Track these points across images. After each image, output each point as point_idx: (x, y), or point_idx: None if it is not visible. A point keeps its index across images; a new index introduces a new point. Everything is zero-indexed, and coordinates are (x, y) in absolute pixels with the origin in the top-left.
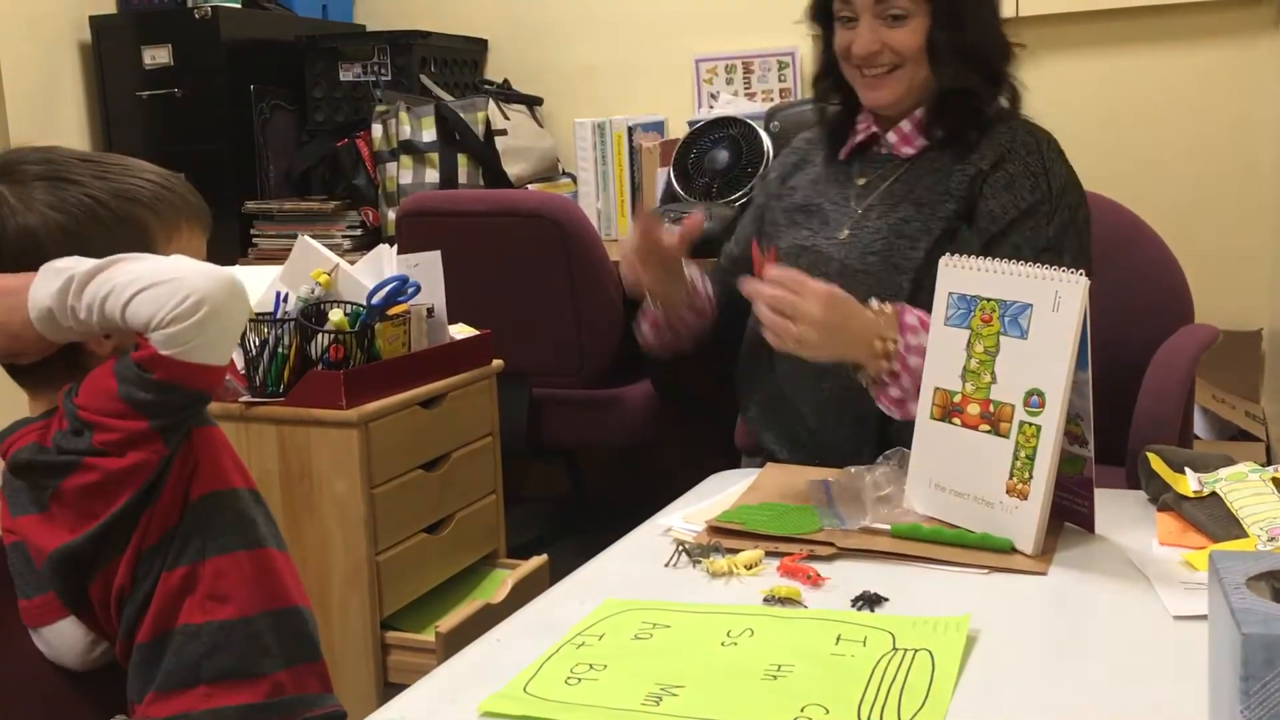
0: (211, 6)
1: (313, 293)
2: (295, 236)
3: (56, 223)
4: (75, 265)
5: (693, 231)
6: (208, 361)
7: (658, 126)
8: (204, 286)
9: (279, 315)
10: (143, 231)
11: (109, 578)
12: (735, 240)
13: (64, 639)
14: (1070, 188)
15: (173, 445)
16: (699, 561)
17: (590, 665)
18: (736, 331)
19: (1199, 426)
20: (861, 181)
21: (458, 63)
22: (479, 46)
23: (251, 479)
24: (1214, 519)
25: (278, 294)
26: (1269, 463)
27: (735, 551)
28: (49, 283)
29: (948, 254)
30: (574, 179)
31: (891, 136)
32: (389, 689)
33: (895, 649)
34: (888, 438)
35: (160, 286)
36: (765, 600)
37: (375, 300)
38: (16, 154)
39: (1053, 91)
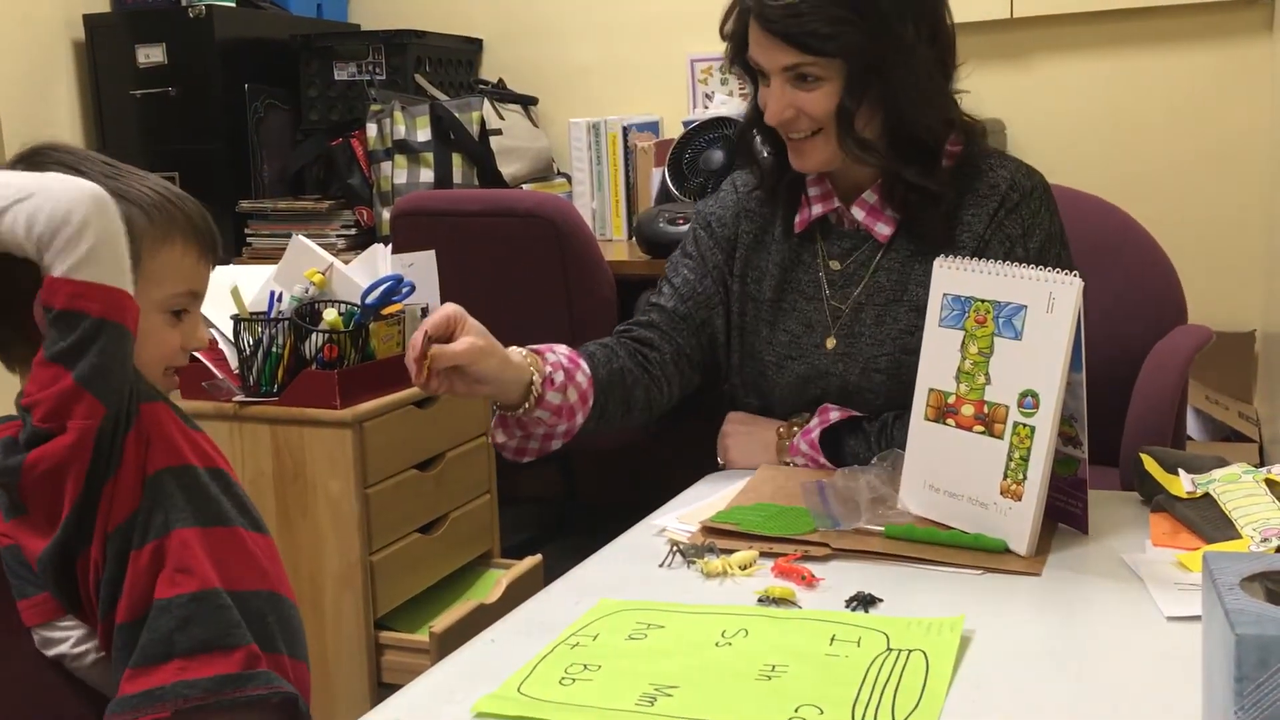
0: (205, 5)
1: (307, 292)
2: (289, 236)
3: None
4: None
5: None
6: (99, 279)
7: (652, 127)
8: (70, 197)
9: (273, 315)
10: (131, 229)
11: (86, 564)
12: (680, 296)
13: (62, 637)
14: (1051, 241)
15: (109, 403)
16: (693, 562)
17: (584, 665)
18: (697, 380)
19: (1192, 428)
20: (835, 266)
21: (452, 62)
22: (474, 46)
23: (214, 458)
24: (1207, 520)
25: (272, 293)
26: (1262, 464)
27: (730, 552)
28: None
29: (942, 255)
30: (569, 179)
31: (858, 211)
32: (383, 689)
33: (889, 649)
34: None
35: (26, 202)
36: (760, 601)
37: (369, 300)
38: (49, 144)
39: (1046, 93)
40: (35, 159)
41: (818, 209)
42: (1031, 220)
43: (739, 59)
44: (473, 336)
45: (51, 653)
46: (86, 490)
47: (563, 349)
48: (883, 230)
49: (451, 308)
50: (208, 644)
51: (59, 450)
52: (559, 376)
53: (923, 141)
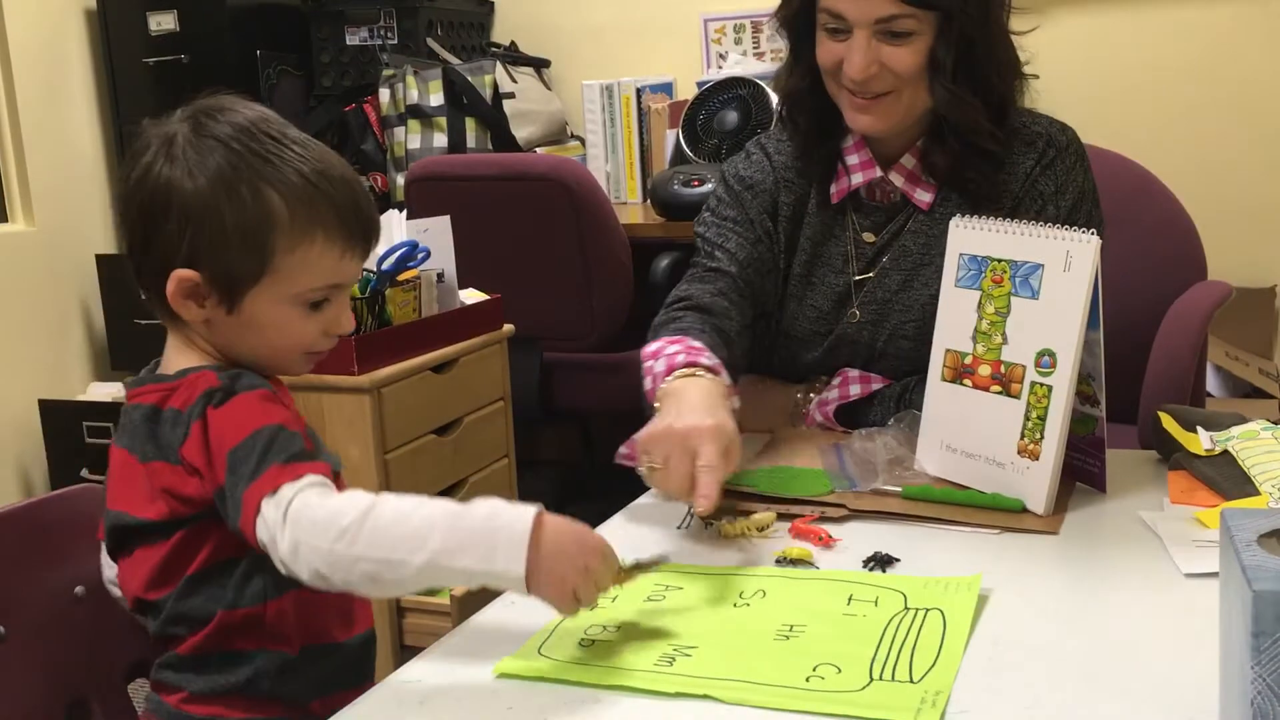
0: None
1: None
2: None
3: (194, 185)
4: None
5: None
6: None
7: (666, 88)
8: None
9: None
10: (270, 219)
11: (130, 570)
12: (740, 262)
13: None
14: (1083, 198)
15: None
16: (711, 524)
17: (604, 627)
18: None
19: (1212, 384)
20: (869, 238)
21: (464, 25)
22: (485, 9)
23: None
24: (1226, 477)
25: None
26: None
27: (748, 514)
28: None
29: (959, 214)
30: (582, 142)
31: (897, 178)
32: (405, 652)
33: (907, 609)
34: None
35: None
36: (777, 562)
37: (385, 266)
38: (217, 105)
39: (1067, 47)
40: (199, 122)
41: (857, 178)
42: (1065, 177)
43: (803, 11)
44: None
45: (109, 578)
46: (154, 524)
47: (715, 363)
48: (923, 197)
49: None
50: (275, 694)
51: (178, 491)
52: (735, 402)
53: (998, 92)
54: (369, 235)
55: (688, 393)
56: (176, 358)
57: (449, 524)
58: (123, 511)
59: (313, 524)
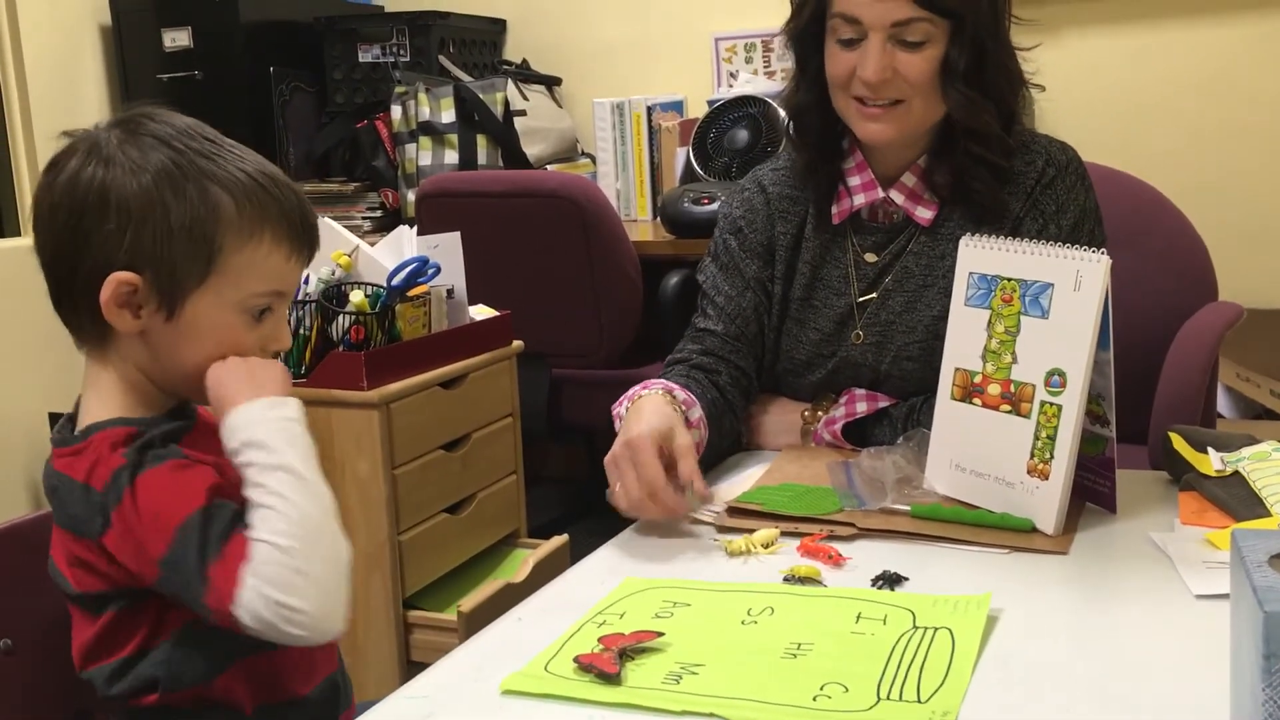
0: None
1: (333, 274)
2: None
3: (136, 183)
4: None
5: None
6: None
7: (677, 106)
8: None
9: (300, 297)
10: (216, 216)
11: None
12: (727, 316)
13: None
14: (1085, 217)
15: None
16: (715, 540)
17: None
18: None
19: (1223, 405)
20: (871, 258)
21: (476, 43)
22: (497, 27)
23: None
24: (1236, 498)
25: None
26: None
27: (750, 531)
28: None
29: (968, 234)
30: (593, 159)
31: (897, 195)
32: (411, 667)
33: (915, 627)
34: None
35: (289, 558)
36: (785, 580)
37: (395, 281)
38: (148, 113)
39: (1076, 68)
40: (131, 126)
41: (860, 199)
42: (1066, 196)
43: (813, 21)
44: (680, 441)
45: None
46: (88, 597)
47: (671, 385)
48: (924, 214)
49: (643, 440)
50: None
51: (103, 571)
52: (695, 414)
53: (1006, 101)
54: (313, 242)
55: (635, 408)
56: (92, 403)
57: (273, 459)
58: (55, 564)
59: (272, 580)
